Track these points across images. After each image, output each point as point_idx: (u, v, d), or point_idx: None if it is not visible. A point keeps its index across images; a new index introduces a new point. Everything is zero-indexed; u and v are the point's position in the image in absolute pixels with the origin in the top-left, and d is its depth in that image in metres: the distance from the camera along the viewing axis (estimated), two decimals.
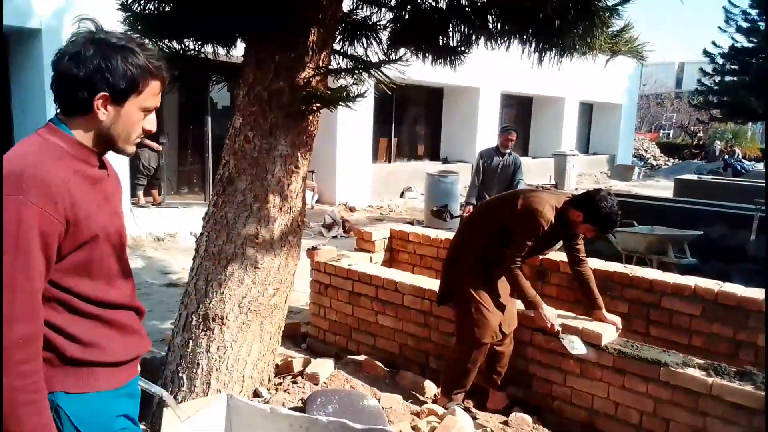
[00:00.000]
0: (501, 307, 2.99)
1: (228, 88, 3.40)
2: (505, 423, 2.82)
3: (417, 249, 4.42)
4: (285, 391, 2.93)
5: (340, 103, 2.55)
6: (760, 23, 20.98)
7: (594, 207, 2.81)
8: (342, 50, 3.35)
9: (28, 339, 1.19)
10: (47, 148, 1.28)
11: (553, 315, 2.93)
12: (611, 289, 3.44)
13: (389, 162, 13.63)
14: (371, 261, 4.35)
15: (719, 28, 22.62)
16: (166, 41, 3.01)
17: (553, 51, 3.25)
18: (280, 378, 3.11)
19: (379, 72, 2.91)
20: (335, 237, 8.64)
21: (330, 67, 2.91)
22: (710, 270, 6.04)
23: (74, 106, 1.30)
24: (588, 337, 2.83)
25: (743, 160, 17.33)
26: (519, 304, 3.16)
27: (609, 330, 2.88)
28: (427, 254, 4.36)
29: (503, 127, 6.18)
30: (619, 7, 3.42)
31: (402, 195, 12.91)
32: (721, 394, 2.44)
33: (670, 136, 32.47)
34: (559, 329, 2.91)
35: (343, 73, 2.90)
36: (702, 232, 5.57)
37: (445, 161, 14.34)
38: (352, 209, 10.99)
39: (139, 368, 1.52)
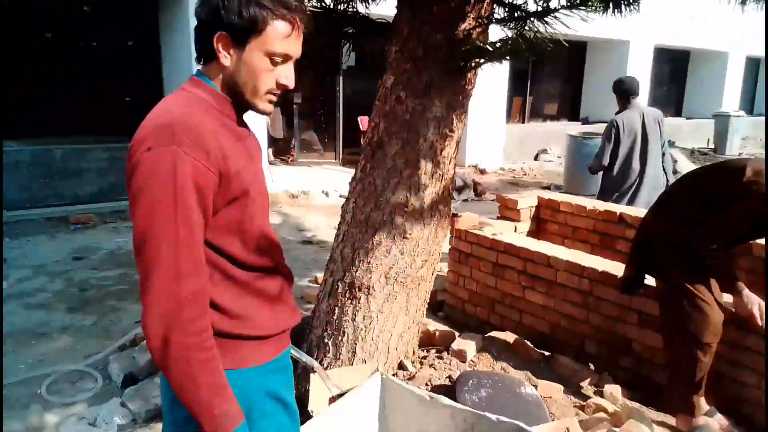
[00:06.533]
0: (718, 304, 2.49)
1: (353, 47, 3.18)
2: None
3: (569, 220, 4.03)
4: (431, 366, 2.79)
5: (506, 57, 2.25)
6: None
7: None
8: None
9: (197, 294, 1.09)
10: (194, 101, 1.18)
11: (758, 301, 2.42)
12: None
13: (523, 122, 12.90)
14: (515, 231, 4.04)
15: None
16: None
17: None
18: (424, 351, 2.98)
19: (554, 21, 2.46)
20: (466, 200, 8.36)
21: (495, 16, 2.59)
22: None
23: (204, 51, 1.21)
24: None
25: None
26: None
27: None
28: (582, 226, 3.95)
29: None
30: None
31: (536, 158, 12.21)
32: None
33: None
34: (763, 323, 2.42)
35: (509, 24, 2.55)
36: None
37: (586, 122, 13.27)
38: (482, 171, 10.58)
39: (289, 340, 1.39)
